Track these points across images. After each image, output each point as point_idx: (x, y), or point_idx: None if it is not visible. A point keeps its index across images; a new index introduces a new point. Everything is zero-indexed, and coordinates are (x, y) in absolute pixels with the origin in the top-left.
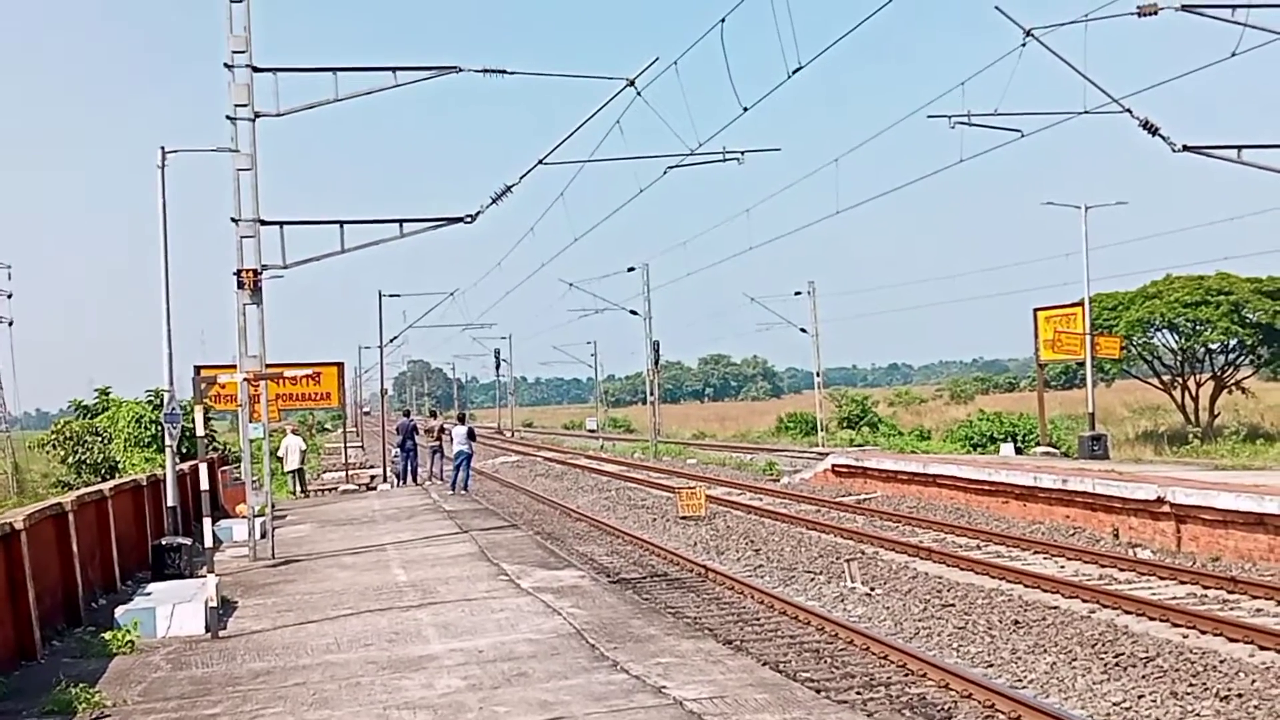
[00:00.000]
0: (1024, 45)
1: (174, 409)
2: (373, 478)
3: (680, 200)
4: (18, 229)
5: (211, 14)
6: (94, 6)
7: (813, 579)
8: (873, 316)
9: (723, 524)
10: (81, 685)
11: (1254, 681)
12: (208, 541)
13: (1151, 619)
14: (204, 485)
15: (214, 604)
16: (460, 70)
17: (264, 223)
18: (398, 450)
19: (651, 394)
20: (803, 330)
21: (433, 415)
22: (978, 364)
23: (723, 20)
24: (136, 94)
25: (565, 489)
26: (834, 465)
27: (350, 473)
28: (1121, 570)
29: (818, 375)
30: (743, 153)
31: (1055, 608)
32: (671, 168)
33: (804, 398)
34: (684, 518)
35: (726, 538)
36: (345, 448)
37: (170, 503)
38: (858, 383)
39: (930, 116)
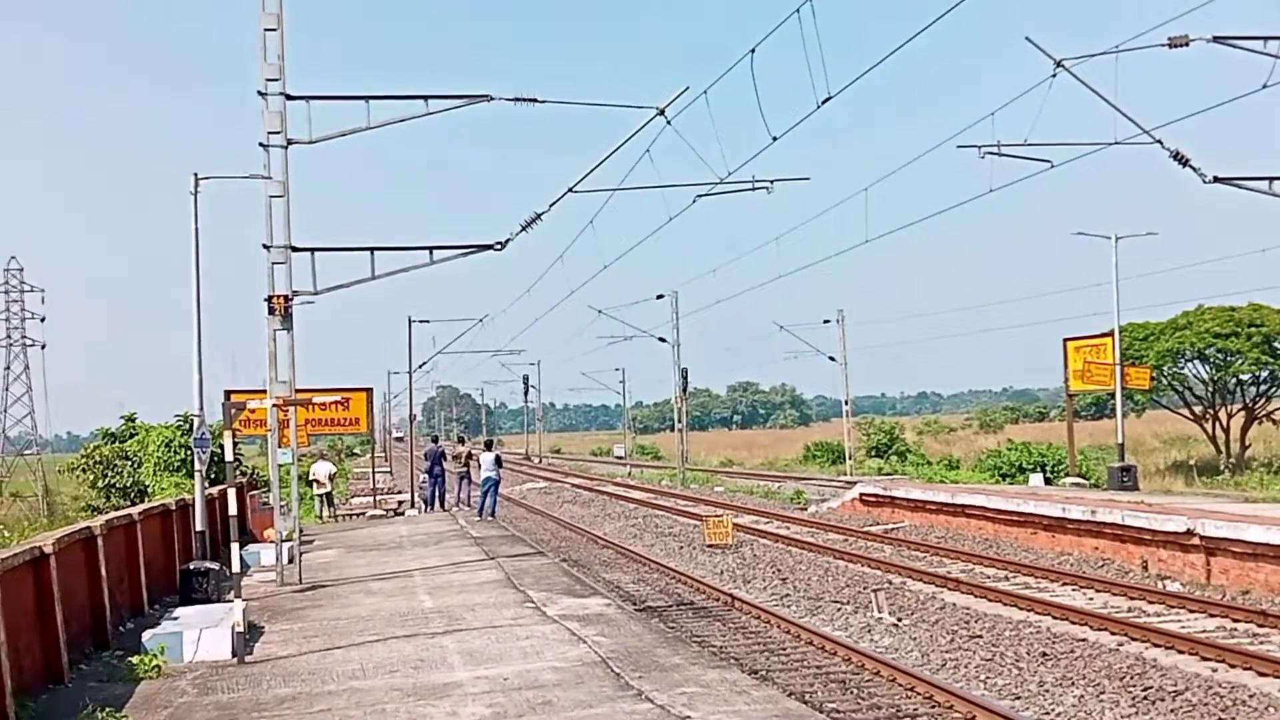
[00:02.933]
0: (1054, 76)
1: (203, 433)
2: (400, 503)
3: (709, 229)
4: (56, 250)
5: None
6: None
7: (839, 609)
8: (902, 345)
9: (750, 553)
10: (108, 710)
11: None
12: (235, 566)
13: (1181, 652)
14: (232, 510)
15: (241, 629)
16: (492, 99)
17: (295, 249)
18: (425, 476)
19: (679, 421)
20: (831, 358)
21: (461, 441)
22: (1007, 393)
23: (752, 51)
24: (171, 117)
25: (592, 516)
26: (862, 494)
27: (378, 498)
28: (1151, 603)
29: (846, 403)
30: (772, 181)
31: (1084, 640)
32: (701, 196)
33: (832, 426)
34: (711, 546)
35: (753, 567)
36: (374, 473)
37: (199, 527)
38: (886, 411)
39: (960, 146)
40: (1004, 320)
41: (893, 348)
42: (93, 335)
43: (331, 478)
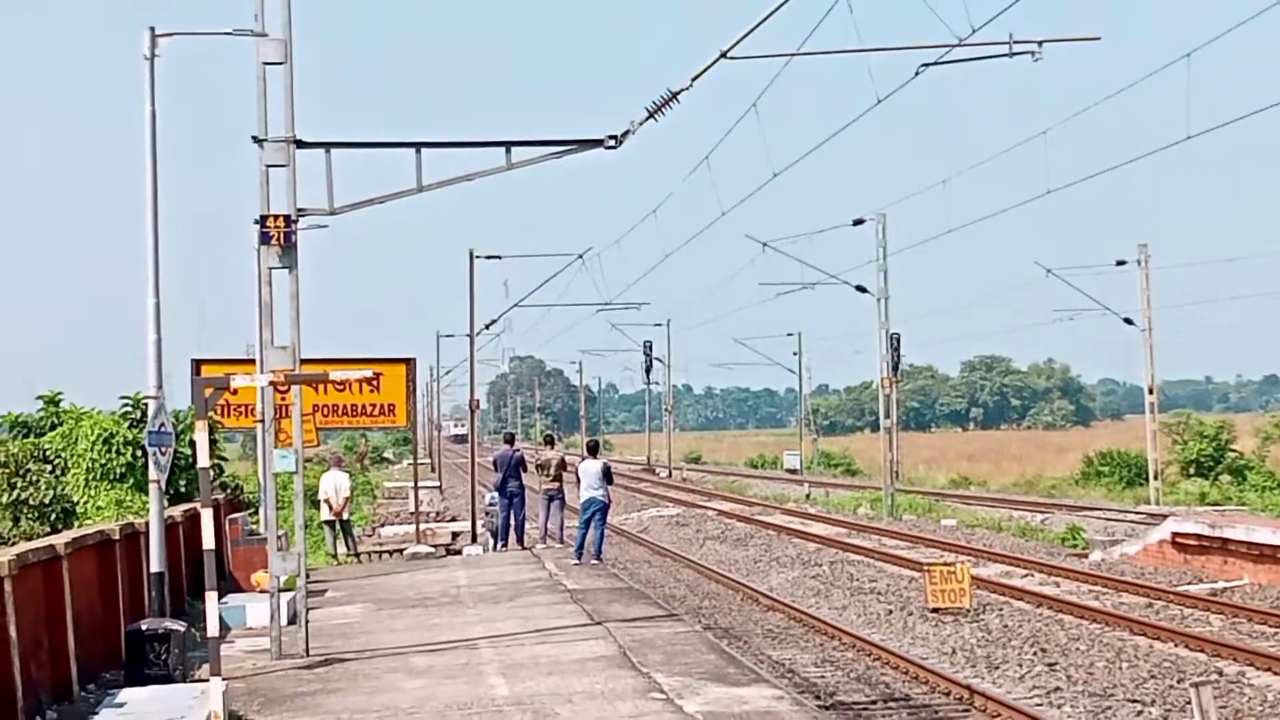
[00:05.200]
0: None
1: (163, 425)
2: (456, 536)
3: (939, 116)
4: None
5: None
6: None
7: (1140, 713)
8: (1238, 301)
9: (997, 622)
10: None
11: None
12: (211, 628)
13: None
14: (207, 543)
15: None
16: None
17: (301, 144)
18: (495, 495)
19: (887, 416)
20: (1128, 321)
21: (549, 442)
22: None
23: None
24: None
25: (751, 561)
26: (1175, 534)
27: (423, 528)
28: None
29: (1150, 392)
30: (1040, 43)
31: None
32: (927, 65)
33: (1127, 427)
34: (936, 610)
35: (1003, 644)
36: (415, 489)
37: (155, 567)
38: (1214, 404)
39: None
40: None
41: (1224, 306)
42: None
43: (349, 497)
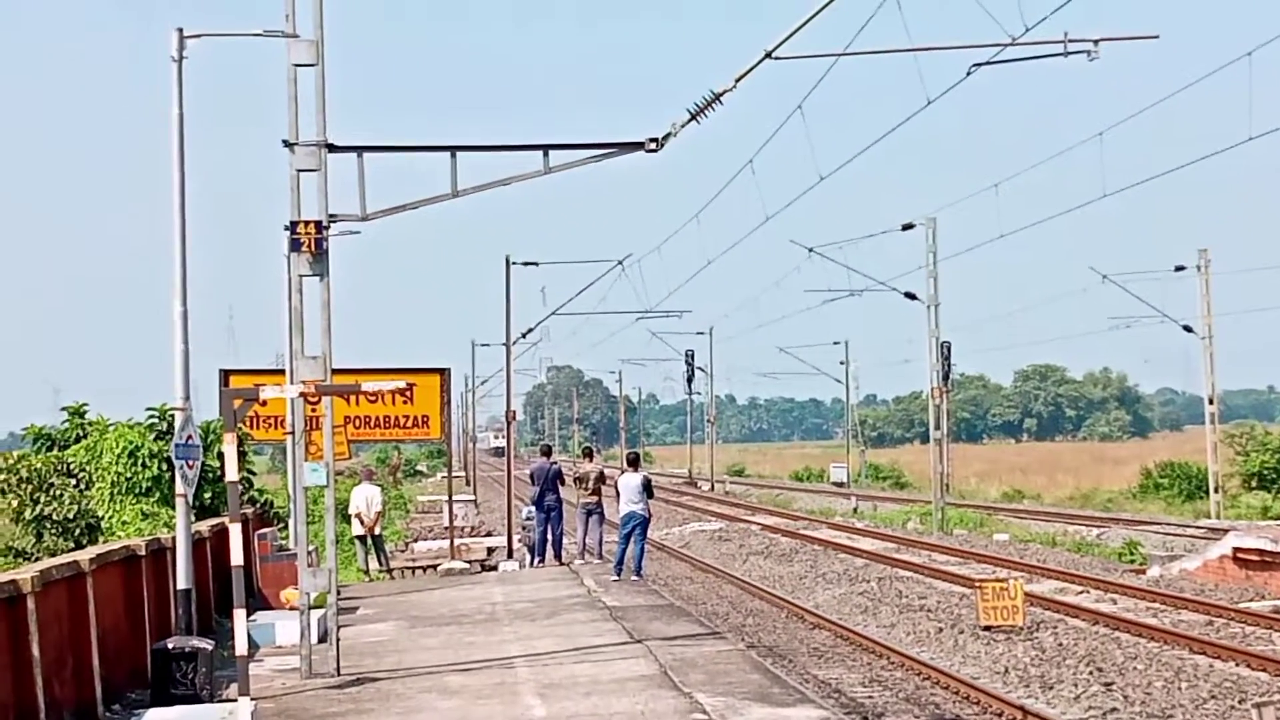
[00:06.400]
0: None
1: (190, 438)
2: (491, 551)
3: (991, 117)
4: None
5: None
6: None
7: None
8: None
9: (1052, 640)
10: None
11: None
12: (239, 646)
13: None
14: (235, 558)
15: None
16: None
17: (333, 148)
18: (532, 509)
19: (937, 427)
20: (1187, 329)
21: (588, 455)
22: None
23: None
24: None
25: (796, 577)
26: (1236, 549)
27: (458, 543)
28: None
29: (1210, 403)
30: (1096, 42)
31: None
32: (979, 65)
33: (1187, 438)
34: (989, 628)
35: (1058, 663)
36: (450, 503)
37: (182, 584)
38: (1277, 415)
39: None
40: None
41: None
42: (14, 284)
43: (381, 511)
